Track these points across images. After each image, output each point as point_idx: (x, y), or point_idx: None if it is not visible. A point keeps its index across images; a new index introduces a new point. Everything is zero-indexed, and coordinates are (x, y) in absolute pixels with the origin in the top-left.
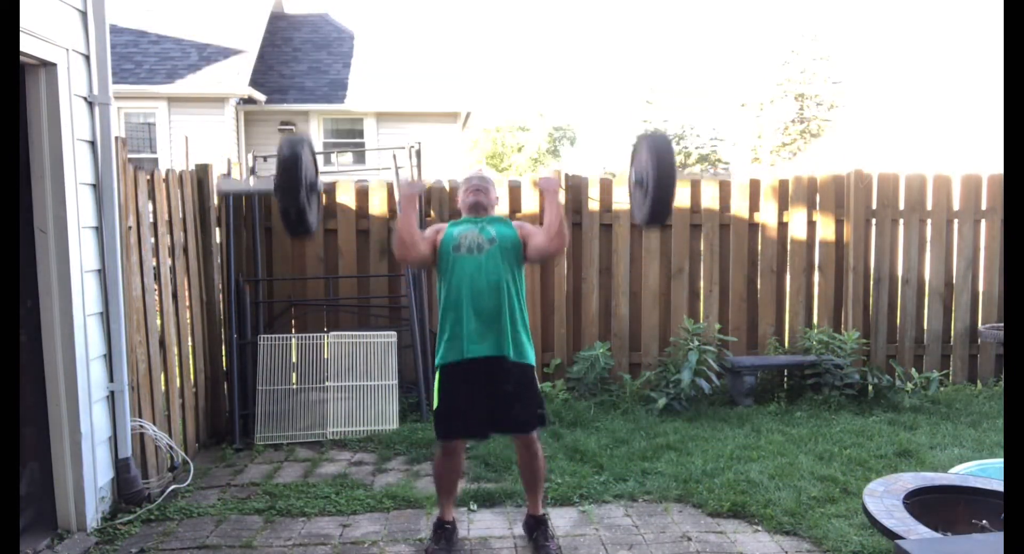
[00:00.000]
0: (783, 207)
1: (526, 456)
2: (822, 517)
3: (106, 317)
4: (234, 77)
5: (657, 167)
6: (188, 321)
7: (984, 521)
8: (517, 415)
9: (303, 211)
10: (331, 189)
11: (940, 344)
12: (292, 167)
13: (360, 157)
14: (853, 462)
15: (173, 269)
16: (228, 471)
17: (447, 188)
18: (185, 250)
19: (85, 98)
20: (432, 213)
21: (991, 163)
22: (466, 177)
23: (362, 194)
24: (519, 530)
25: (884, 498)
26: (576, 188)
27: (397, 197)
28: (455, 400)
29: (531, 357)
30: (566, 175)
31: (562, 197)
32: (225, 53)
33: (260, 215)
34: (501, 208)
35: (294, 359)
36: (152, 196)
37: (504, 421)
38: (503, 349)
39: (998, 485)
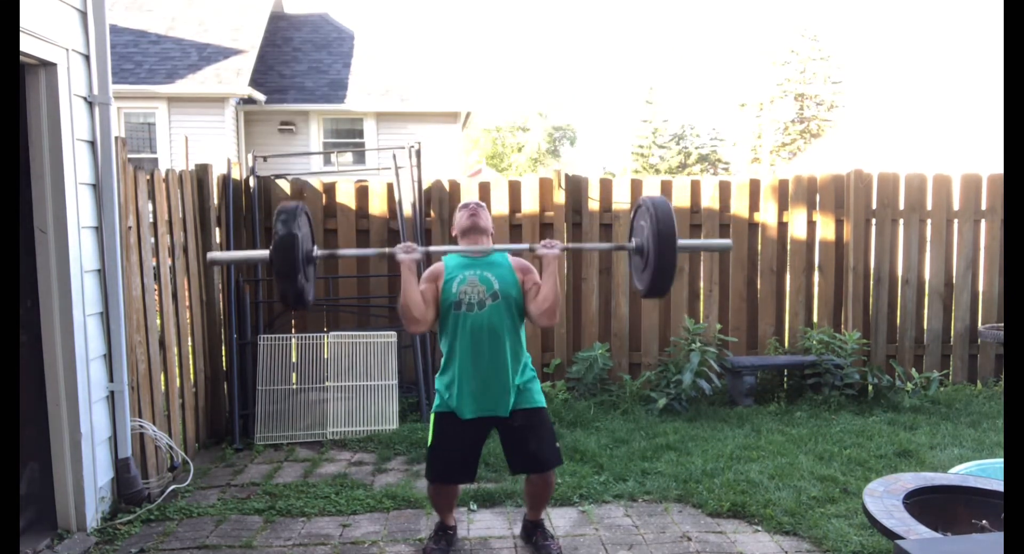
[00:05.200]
0: (783, 207)
1: (540, 485)
2: (822, 517)
3: (106, 317)
4: (234, 77)
5: (659, 239)
6: (188, 321)
7: (984, 521)
8: (536, 453)
9: (301, 292)
10: (331, 189)
11: (940, 344)
12: (289, 248)
13: (360, 157)
14: (853, 462)
15: (173, 269)
16: (228, 471)
17: (447, 187)
18: (185, 250)
19: (85, 98)
20: (433, 213)
21: (991, 163)
22: (463, 203)
23: (362, 194)
24: (519, 530)
25: (884, 498)
26: (576, 188)
27: (397, 197)
28: (449, 448)
29: (540, 401)
30: (566, 175)
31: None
32: (225, 53)
33: (260, 215)
34: (501, 207)
35: (294, 359)
36: (152, 196)
37: (522, 460)
38: (505, 408)
39: (998, 485)
